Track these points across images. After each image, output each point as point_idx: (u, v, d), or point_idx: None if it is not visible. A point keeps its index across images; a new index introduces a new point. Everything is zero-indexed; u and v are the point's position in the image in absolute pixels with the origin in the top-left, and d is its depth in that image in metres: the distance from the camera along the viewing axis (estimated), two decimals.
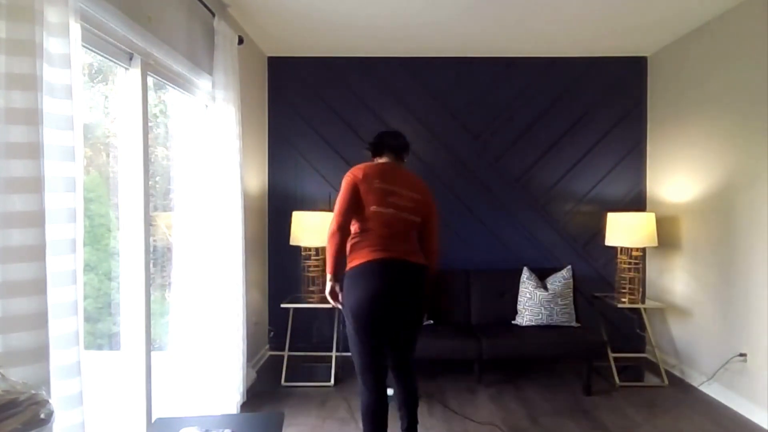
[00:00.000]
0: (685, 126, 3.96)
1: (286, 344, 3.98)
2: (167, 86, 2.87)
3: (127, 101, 2.42)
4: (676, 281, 4.09)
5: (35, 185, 1.51)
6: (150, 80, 2.56)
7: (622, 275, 4.01)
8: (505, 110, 4.54)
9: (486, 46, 4.25)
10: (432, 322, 3.97)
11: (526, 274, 4.01)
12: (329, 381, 3.81)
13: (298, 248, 4.14)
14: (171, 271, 2.99)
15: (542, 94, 4.53)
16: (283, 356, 4.02)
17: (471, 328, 3.94)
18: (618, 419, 3.24)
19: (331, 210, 4.35)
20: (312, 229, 3.94)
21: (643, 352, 4.54)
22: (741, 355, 3.33)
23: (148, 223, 2.50)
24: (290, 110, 4.57)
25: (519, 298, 4.00)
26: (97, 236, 2.53)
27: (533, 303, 3.88)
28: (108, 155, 2.59)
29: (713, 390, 3.61)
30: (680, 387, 3.81)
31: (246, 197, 3.77)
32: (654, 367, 4.13)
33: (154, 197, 2.82)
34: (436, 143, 4.55)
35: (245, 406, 3.39)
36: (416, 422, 2.59)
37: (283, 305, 3.95)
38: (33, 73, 1.50)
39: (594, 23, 3.74)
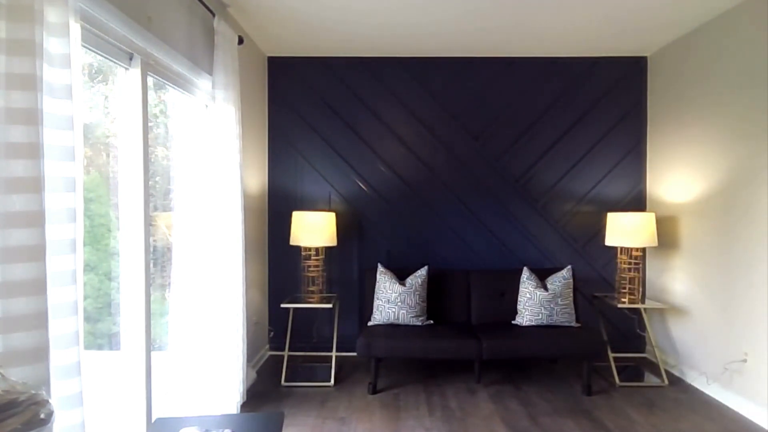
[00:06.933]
0: (685, 126, 3.96)
1: (286, 344, 3.98)
2: (167, 86, 2.87)
3: (127, 101, 2.42)
4: (675, 281, 4.09)
5: (35, 185, 1.51)
6: (150, 80, 2.56)
7: (622, 275, 4.01)
8: (505, 110, 4.54)
9: (486, 46, 4.25)
10: (432, 322, 3.97)
11: (526, 274, 4.01)
12: (329, 381, 3.81)
13: (298, 248, 4.15)
14: (171, 271, 2.99)
15: (542, 94, 4.53)
16: (283, 356, 4.02)
17: (471, 328, 3.94)
18: (618, 419, 3.24)
19: (330, 210, 4.40)
20: (312, 229, 3.94)
21: (643, 352, 4.54)
22: (741, 355, 3.33)
23: (148, 223, 2.50)
24: (290, 110, 4.57)
25: (519, 298, 4.00)
26: (97, 236, 2.53)
27: (533, 303, 3.87)
28: (108, 155, 2.59)
29: (713, 390, 3.61)
30: (680, 387, 3.81)
31: (246, 197, 3.77)
32: (654, 367, 4.13)
33: (154, 197, 2.82)
34: (436, 143, 4.55)
35: (245, 406, 3.39)
36: None
37: (283, 305, 3.95)
38: (33, 73, 1.50)
39: (594, 23, 3.74)
